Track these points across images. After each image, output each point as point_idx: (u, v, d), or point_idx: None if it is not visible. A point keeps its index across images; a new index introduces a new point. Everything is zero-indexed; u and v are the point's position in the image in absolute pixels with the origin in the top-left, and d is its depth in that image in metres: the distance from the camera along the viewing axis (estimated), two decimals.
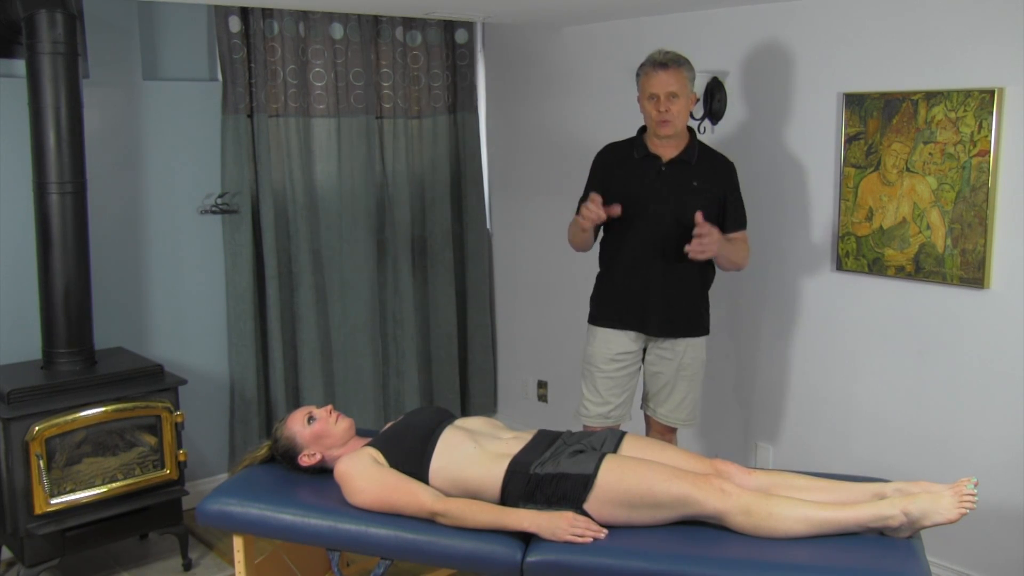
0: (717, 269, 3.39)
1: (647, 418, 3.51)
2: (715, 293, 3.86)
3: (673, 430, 3.48)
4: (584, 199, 3.44)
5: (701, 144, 3.34)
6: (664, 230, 3.24)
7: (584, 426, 3.43)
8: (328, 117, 4.21)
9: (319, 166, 4.25)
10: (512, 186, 4.81)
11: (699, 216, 3.11)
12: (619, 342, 3.36)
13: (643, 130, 3.34)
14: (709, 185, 3.26)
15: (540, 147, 4.60)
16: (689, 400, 3.42)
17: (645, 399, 3.49)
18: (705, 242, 3.10)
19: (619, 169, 3.35)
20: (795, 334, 3.68)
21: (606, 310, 3.39)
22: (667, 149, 3.26)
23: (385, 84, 4.40)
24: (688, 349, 3.35)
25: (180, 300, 4.01)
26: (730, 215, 3.31)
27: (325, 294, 4.31)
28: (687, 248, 3.11)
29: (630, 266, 3.31)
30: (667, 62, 3.16)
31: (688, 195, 3.24)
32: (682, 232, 3.22)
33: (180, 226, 3.98)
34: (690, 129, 3.32)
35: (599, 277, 3.45)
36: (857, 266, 3.43)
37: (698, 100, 3.68)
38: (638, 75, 3.23)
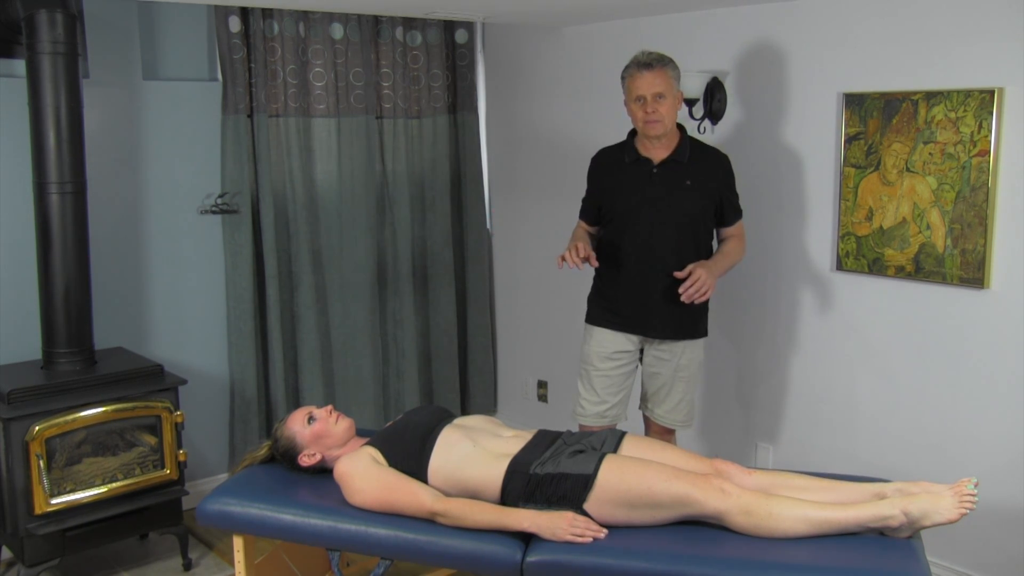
0: None
1: (645, 419, 3.51)
2: (715, 293, 3.87)
3: (671, 431, 3.48)
4: (585, 203, 3.48)
5: (693, 141, 3.33)
6: (660, 232, 3.24)
7: (580, 426, 3.43)
8: (328, 117, 4.21)
9: (319, 166, 4.24)
10: (512, 186, 4.81)
11: (679, 274, 3.17)
12: (616, 341, 3.37)
13: (633, 133, 3.33)
14: (703, 182, 3.26)
15: (540, 147, 4.60)
16: (686, 401, 3.42)
17: (643, 400, 3.50)
18: (699, 284, 3.13)
19: (611, 175, 3.36)
20: (795, 334, 3.68)
21: (604, 311, 3.39)
22: (658, 151, 3.26)
23: (385, 84, 4.40)
24: (686, 351, 3.35)
25: (180, 300, 4.01)
26: (727, 209, 3.33)
27: (325, 294, 4.31)
28: (684, 298, 3.15)
29: (629, 270, 3.31)
30: (651, 62, 3.15)
31: (681, 195, 3.24)
32: (678, 233, 3.24)
33: (180, 226, 3.98)
34: (680, 127, 3.31)
35: (596, 278, 3.46)
36: (857, 266, 3.43)
37: (687, 99, 3.67)
38: (623, 78, 3.23)
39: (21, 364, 3.51)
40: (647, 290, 3.29)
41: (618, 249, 3.33)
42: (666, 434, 3.46)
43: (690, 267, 3.17)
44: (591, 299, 3.47)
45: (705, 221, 3.30)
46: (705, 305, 3.38)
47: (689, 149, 3.27)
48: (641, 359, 3.43)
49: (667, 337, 3.33)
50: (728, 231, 3.37)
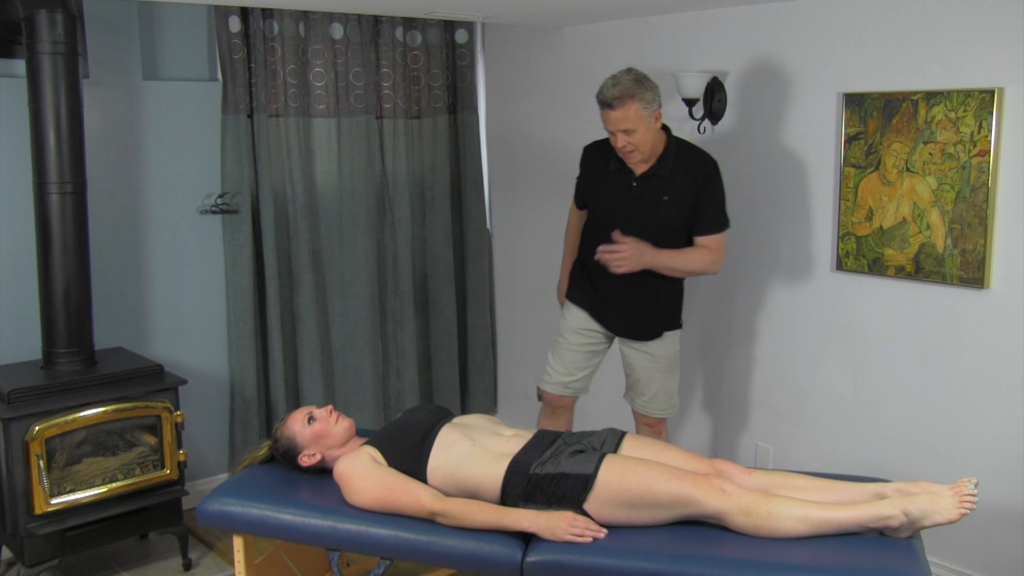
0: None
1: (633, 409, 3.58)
2: (716, 293, 3.87)
3: (659, 420, 3.51)
4: (577, 189, 3.55)
5: (680, 147, 3.29)
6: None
7: (542, 392, 3.56)
8: (328, 117, 4.21)
9: (319, 166, 4.24)
10: (512, 186, 4.81)
11: (616, 234, 3.19)
12: (589, 321, 3.46)
13: None
14: (682, 194, 3.24)
15: (540, 147, 4.60)
16: (663, 392, 3.46)
17: (626, 389, 3.57)
18: (616, 256, 3.15)
19: (596, 176, 3.40)
20: (795, 334, 3.68)
21: (584, 293, 3.46)
22: (639, 163, 3.26)
23: (385, 84, 4.39)
24: (658, 345, 3.39)
25: (180, 300, 4.01)
26: (699, 218, 3.25)
27: (325, 294, 4.31)
28: (596, 255, 3.19)
29: (603, 274, 3.33)
30: (612, 101, 3.08)
31: (659, 209, 3.25)
32: (656, 245, 3.23)
33: (180, 226, 3.98)
34: (666, 131, 3.29)
35: (579, 260, 3.52)
36: (857, 266, 3.43)
37: (687, 99, 3.67)
38: None
39: (21, 364, 3.51)
40: (615, 295, 3.36)
41: (596, 249, 3.37)
42: (656, 424, 3.51)
43: (626, 241, 3.17)
44: (572, 277, 3.53)
45: (683, 231, 3.29)
46: (675, 305, 3.41)
47: (673, 159, 3.25)
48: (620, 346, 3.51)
49: (633, 339, 3.41)
50: (700, 241, 3.27)
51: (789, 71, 3.56)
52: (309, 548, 3.15)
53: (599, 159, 3.39)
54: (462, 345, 4.88)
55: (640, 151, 3.17)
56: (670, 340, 3.42)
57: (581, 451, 2.71)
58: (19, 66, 3.42)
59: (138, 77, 3.82)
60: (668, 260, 3.23)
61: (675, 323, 3.43)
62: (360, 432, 3.03)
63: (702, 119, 3.78)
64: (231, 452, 4.13)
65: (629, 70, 3.15)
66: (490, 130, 4.86)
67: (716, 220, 3.27)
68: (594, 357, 3.52)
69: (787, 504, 2.50)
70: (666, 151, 3.25)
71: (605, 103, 3.11)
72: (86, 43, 3.63)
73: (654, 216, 3.24)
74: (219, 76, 3.95)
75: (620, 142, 3.14)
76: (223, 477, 4.10)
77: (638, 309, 3.34)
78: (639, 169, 3.26)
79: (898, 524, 2.44)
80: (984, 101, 3.01)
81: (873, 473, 3.21)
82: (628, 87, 3.08)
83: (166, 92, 3.90)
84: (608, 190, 3.33)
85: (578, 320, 3.47)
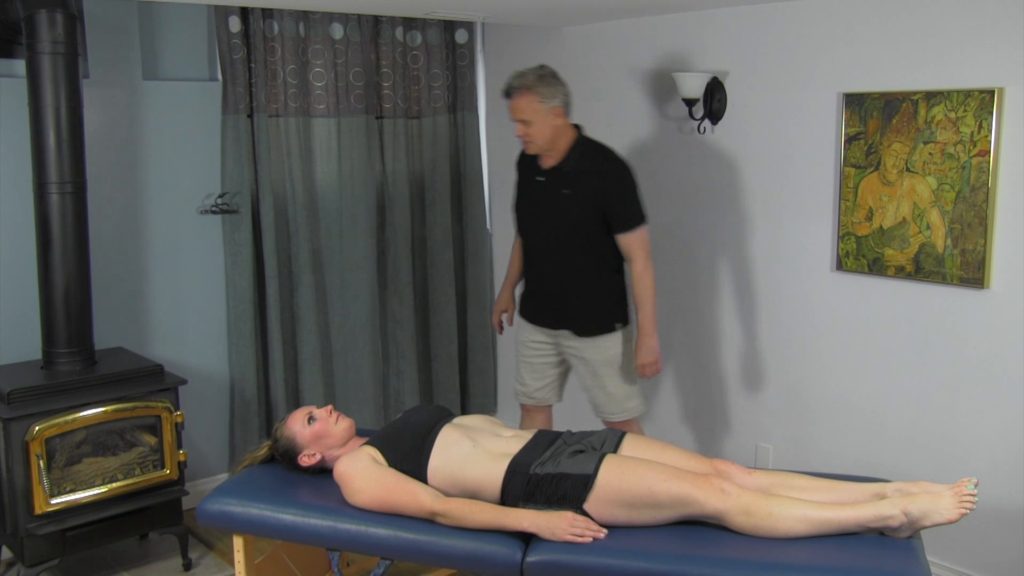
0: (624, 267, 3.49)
1: None
2: (715, 292, 3.87)
3: (624, 423, 3.49)
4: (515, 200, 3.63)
5: (589, 146, 3.36)
6: (548, 236, 3.39)
7: (520, 404, 3.68)
8: (328, 117, 4.21)
9: (319, 166, 4.25)
10: (512, 186, 4.80)
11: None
12: (533, 332, 3.56)
13: None
14: (581, 192, 3.30)
15: None
16: (611, 393, 3.47)
17: None
18: (649, 371, 3.36)
19: (521, 173, 3.53)
20: (795, 334, 3.68)
21: (523, 303, 3.60)
22: (548, 158, 3.36)
23: (385, 84, 4.39)
24: (593, 346, 3.41)
25: (180, 300, 4.01)
26: (615, 219, 3.32)
27: (325, 294, 4.31)
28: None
29: (528, 267, 3.53)
30: (510, 90, 3.25)
31: (561, 204, 3.33)
32: (564, 237, 3.34)
33: (180, 226, 3.98)
34: (577, 131, 3.36)
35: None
36: (857, 266, 3.43)
37: (687, 99, 3.67)
38: None
39: (21, 364, 3.51)
40: (538, 286, 3.48)
41: (523, 245, 3.55)
42: (621, 427, 3.47)
43: (638, 361, 3.37)
44: (523, 290, 3.65)
45: (590, 228, 3.34)
46: (607, 303, 3.42)
47: (578, 158, 3.32)
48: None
49: (563, 329, 3.45)
50: (620, 240, 3.34)
51: (789, 71, 3.56)
52: (309, 548, 3.15)
53: (524, 160, 3.52)
54: (462, 345, 4.88)
55: (535, 143, 3.29)
56: (608, 344, 3.42)
57: (581, 451, 2.71)
58: (19, 66, 3.42)
59: (138, 77, 3.82)
60: (647, 312, 3.35)
61: (608, 327, 3.42)
62: (360, 432, 3.03)
63: (702, 119, 3.78)
64: (231, 452, 4.13)
65: (541, 66, 3.30)
66: (490, 130, 4.86)
67: (629, 217, 3.32)
68: (552, 368, 3.60)
69: (787, 504, 2.50)
70: (572, 148, 3.33)
71: (505, 91, 3.28)
72: (86, 43, 3.63)
73: (558, 209, 3.33)
74: (219, 76, 3.95)
75: (518, 131, 3.28)
76: (223, 477, 4.10)
77: (568, 299, 3.40)
78: (546, 164, 3.37)
79: (898, 524, 2.44)
80: (984, 101, 3.01)
81: (873, 473, 3.21)
82: (528, 80, 3.23)
83: (166, 92, 3.90)
84: (524, 187, 3.50)
85: (527, 334, 3.59)
